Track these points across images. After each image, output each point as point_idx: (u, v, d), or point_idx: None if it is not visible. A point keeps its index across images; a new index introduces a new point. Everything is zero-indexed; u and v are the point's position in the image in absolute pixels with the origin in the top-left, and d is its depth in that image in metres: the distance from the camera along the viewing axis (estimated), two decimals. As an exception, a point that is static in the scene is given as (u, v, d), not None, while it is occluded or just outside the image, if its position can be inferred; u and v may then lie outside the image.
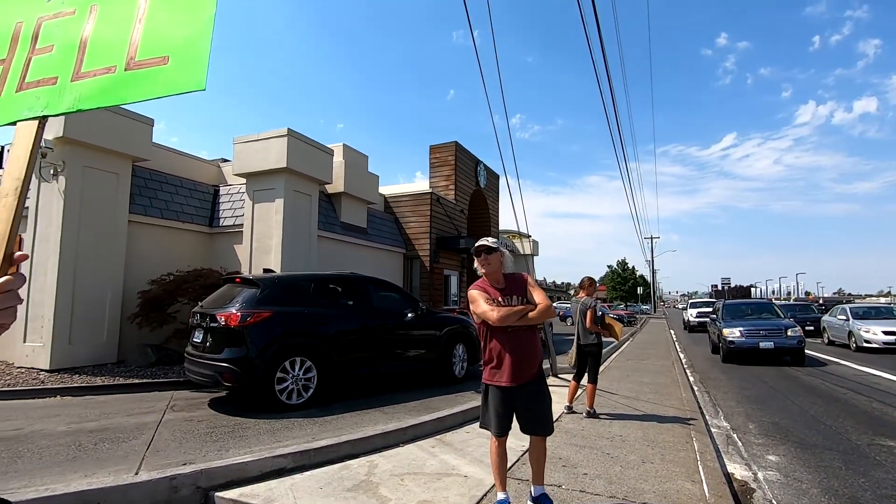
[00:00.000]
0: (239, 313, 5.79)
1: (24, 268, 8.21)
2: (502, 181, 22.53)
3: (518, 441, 3.76)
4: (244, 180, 10.42)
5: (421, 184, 18.08)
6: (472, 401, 6.11)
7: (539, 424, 3.05)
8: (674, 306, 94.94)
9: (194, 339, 6.23)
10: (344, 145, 12.65)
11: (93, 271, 8.28)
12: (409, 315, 7.28)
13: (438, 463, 4.03)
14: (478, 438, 4.80)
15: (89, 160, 8.28)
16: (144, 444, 4.42)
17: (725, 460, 4.51)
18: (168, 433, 4.81)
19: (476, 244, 3.12)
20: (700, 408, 6.61)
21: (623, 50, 20.50)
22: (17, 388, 6.57)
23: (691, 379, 9.38)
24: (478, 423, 5.36)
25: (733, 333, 11.37)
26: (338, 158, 11.96)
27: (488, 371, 3.04)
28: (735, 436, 5.42)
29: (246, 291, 6.19)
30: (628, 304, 58.76)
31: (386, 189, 15.99)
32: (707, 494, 3.42)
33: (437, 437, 4.81)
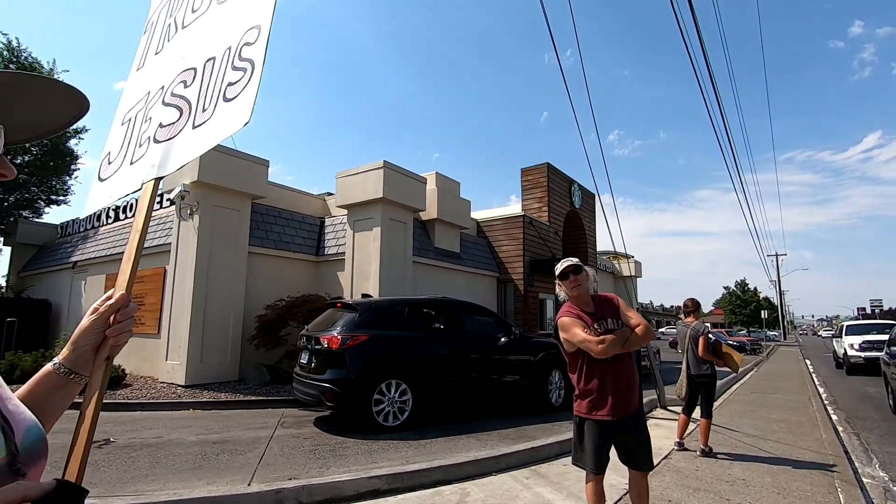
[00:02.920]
0: (339, 336, 6.12)
1: (167, 295, 9.50)
2: (599, 200, 21.68)
3: (619, 478, 3.48)
4: (346, 211, 11.17)
5: (514, 207, 18.02)
6: (569, 431, 5.78)
7: (642, 458, 2.79)
8: (814, 332, 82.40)
9: (301, 360, 6.68)
10: (436, 173, 13.07)
11: (220, 297, 9.32)
12: (502, 339, 7.19)
13: (532, 496, 3.85)
14: (575, 472, 4.51)
15: (218, 200, 9.44)
16: (257, 457, 4.79)
17: (882, 518, 3.77)
18: (278, 448, 5.16)
19: (563, 265, 2.88)
20: (846, 452, 5.63)
21: (730, 51, 18.99)
22: (160, 401, 7.52)
23: (834, 418, 8.07)
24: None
25: None
26: (431, 186, 12.36)
27: (585, 404, 2.78)
28: (895, 488, 4.53)
29: (346, 315, 6.54)
30: (751, 329, 52.62)
31: (478, 213, 16.16)
32: (857, 558, 2.87)
33: (532, 467, 4.62)
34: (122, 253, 1.00)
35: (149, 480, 4.06)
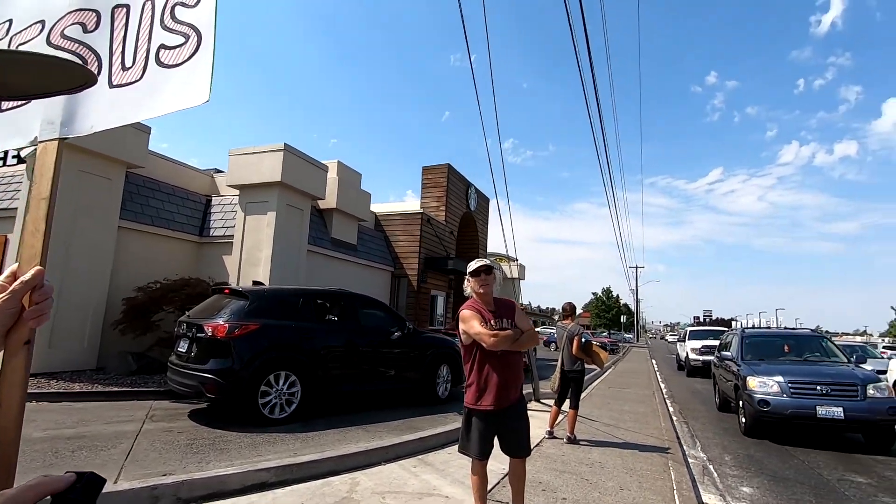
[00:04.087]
0: (227, 324, 5.80)
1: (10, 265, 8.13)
2: (492, 204, 22.86)
3: (498, 464, 3.82)
4: (237, 192, 10.48)
5: (412, 203, 18.27)
6: (455, 422, 6.14)
7: (521, 447, 3.12)
8: (662, 338, 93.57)
9: (179, 349, 6.20)
10: (339, 162, 12.82)
11: (80, 274, 8.21)
12: (396, 334, 7.34)
13: (420, 483, 4.06)
14: (459, 460, 4.83)
15: (85, 164, 8.30)
16: (123, 453, 4.38)
17: (701, 490, 4.60)
18: (147, 443, 4.76)
19: (476, 264, 3.11)
20: (678, 438, 6.71)
21: (615, 81, 21.21)
22: (-8, 392, 6.44)
23: (671, 409, 9.50)
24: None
25: (767, 386, 6.83)
26: (332, 175, 12.10)
27: (472, 394, 3.04)
28: (711, 467, 5.53)
29: (234, 303, 6.21)
30: (611, 331, 59.07)
31: (377, 207, 16.14)
32: (681, 523, 3.50)
33: (420, 457, 4.84)
34: None
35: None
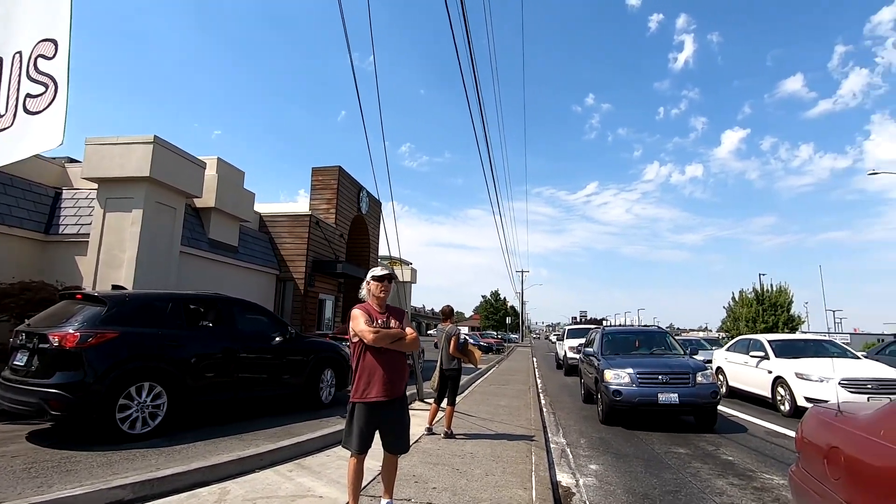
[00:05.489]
0: (78, 333, 5.23)
1: None
2: (384, 208, 23.00)
3: (374, 462, 3.98)
4: (96, 186, 9.39)
5: (300, 204, 17.73)
6: (336, 425, 6.18)
7: (401, 443, 3.34)
8: (546, 338, 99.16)
9: (15, 363, 5.45)
10: (218, 159, 12.06)
11: None
12: (277, 339, 7.15)
13: (294, 486, 4.07)
14: (337, 461, 4.92)
15: None
16: (-63, 484, 3.78)
17: (556, 470, 5.20)
18: (-30, 471, 4.14)
19: (383, 271, 3.41)
20: (544, 427, 7.42)
21: (501, 97, 22.55)
22: None
23: (542, 402, 10.41)
24: (339, 446, 5.48)
25: (620, 378, 7.61)
26: (210, 172, 11.35)
27: (359, 388, 3.22)
28: (568, 450, 6.23)
29: (88, 309, 5.61)
30: (499, 332, 62.31)
31: (263, 207, 15.42)
32: (534, 499, 3.96)
33: (296, 461, 4.83)
34: None
35: None
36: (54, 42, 1.09)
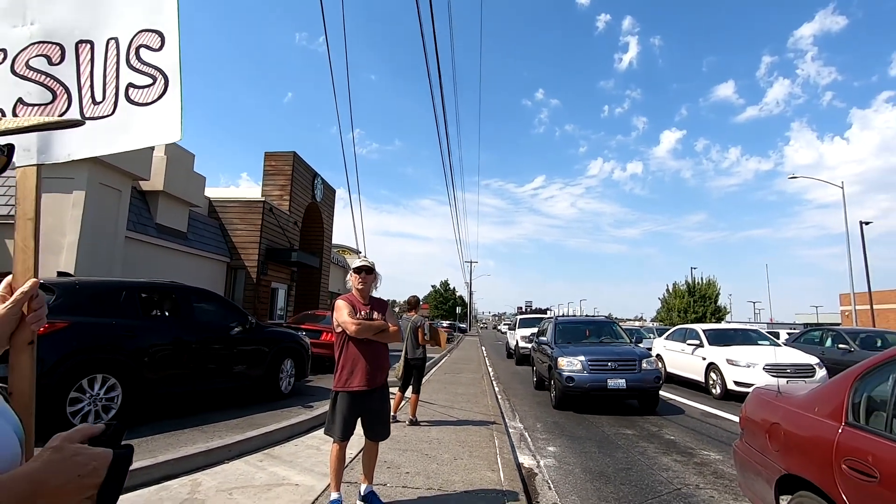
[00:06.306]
0: (23, 323, 4.92)
1: None
2: (339, 196, 22.61)
3: (348, 450, 4.06)
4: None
5: (249, 189, 17.16)
6: (300, 415, 6.18)
7: (383, 430, 3.46)
8: (494, 327, 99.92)
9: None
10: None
11: None
12: (236, 329, 7.00)
13: (268, 475, 4.09)
14: (306, 450, 4.96)
15: None
16: None
17: (518, 453, 5.48)
18: None
19: (360, 263, 3.49)
20: (502, 413, 7.74)
21: (459, 89, 22.68)
22: None
23: (497, 389, 10.78)
24: (307, 435, 5.52)
25: (572, 365, 8.04)
26: (158, 153, 10.77)
27: (341, 377, 3.30)
28: (527, 434, 6.56)
29: (33, 298, 5.28)
30: (450, 322, 63.05)
31: (211, 192, 14.79)
32: (503, 480, 4.20)
33: (265, 451, 4.82)
34: None
35: None
36: (159, 34, 1.11)
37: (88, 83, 1.13)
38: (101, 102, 1.12)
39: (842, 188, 24.22)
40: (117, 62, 1.12)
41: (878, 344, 11.16)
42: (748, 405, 3.21)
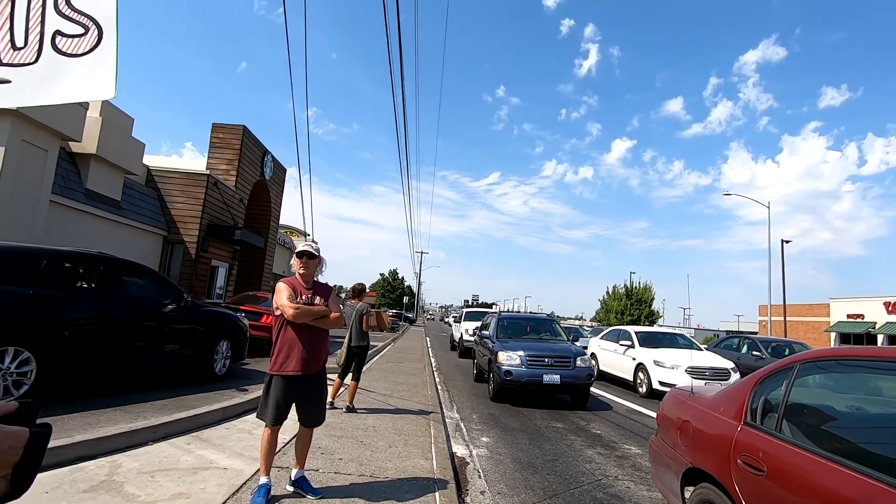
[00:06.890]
0: (-76, 288, 4.49)
1: None
2: (290, 175, 21.97)
3: (281, 435, 4.02)
4: (-60, 111, 7.86)
5: (194, 160, 16.33)
6: (233, 398, 6.02)
7: (317, 416, 3.44)
8: (441, 319, 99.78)
9: None
10: (104, 100, 10.67)
11: None
12: (170, 306, 6.68)
13: (194, 459, 3.98)
14: (237, 434, 4.85)
15: None
16: None
17: (452, 442, 5.62)
18: None
19: (303, 247, 3.41)
20: (440, 403, 7.87)
21: (420, 80, 22.52)
22: None
23: (437, 380, 10.92)
24: (239, 419, 5.41)
25: (511, 359, 8.30)
26: (93, 114, 10.03)
27: (277, 361, 3.26)
28: (462, 424, 6.71)
29: (-63, 260, 4.82)
30: (397, 311, 62.91)
31: (152, 160, 13.96)
32: (435, 468, 4.30)
33: (194, 434, 4.68)
34: None
35: None
36: None
37: (8, 25, 1.02)
38: (22, 48, 1.01)
39: (768, 208, 26.20)
40: (43, 4, 1.01)
41: (786, 352, 12.25)
42: (665, 404, 3.46)
